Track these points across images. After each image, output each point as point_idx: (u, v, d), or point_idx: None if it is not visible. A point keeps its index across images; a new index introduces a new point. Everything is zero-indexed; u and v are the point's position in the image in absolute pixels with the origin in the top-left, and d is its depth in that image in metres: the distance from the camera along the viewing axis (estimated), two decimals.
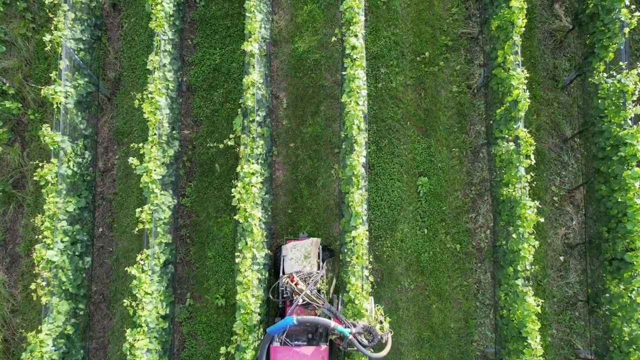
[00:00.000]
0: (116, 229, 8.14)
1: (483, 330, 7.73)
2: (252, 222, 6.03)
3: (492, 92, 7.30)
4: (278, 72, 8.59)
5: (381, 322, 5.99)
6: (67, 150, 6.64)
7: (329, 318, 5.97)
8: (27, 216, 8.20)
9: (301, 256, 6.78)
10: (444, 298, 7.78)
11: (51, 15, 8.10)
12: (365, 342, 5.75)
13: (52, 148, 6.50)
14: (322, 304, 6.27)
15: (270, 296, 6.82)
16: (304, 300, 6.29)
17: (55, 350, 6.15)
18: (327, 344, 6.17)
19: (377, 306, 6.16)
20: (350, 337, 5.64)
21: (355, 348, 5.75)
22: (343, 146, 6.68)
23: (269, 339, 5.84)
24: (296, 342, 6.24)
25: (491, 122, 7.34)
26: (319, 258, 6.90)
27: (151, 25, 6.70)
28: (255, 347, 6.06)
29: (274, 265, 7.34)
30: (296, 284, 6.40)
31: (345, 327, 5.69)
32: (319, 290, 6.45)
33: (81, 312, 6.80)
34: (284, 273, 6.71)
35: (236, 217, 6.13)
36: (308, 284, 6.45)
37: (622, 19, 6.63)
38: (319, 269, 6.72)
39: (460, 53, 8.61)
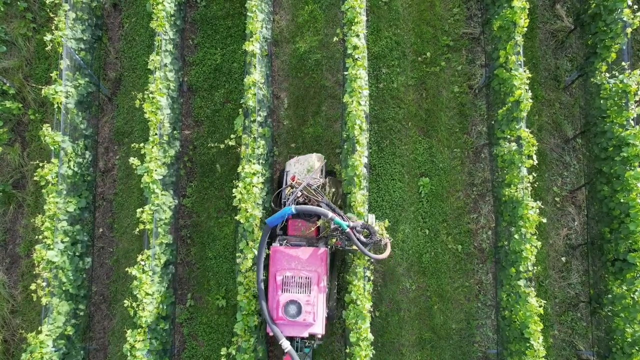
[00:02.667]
0: (117, 229, 8.12)
1: (485, 331, 7.71)
2: (253, 223, 6.01)
3: (493, 93, 7.28)
4: (279, 72, 8.57)
5: (382, 232, 6.00)
6: (67, 151, 6.62)
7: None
8: (27, 216, 8.18)
9: (304, 170, 6.79)
10: (445, 299, 7.76)
11: (52, 15, 8.08)
12: (364, 239, 5.75)
13: (52, 148, 6.48)
14: (322, 199, 6.26)
15: (273, 205, 6.85)
16: (302, 194, 6.27)
17: (55, 351, 6.13)
18: (327, 247, 6.23)
19: (378, 221, 6.13)
20: (348, 230, 5.62)
21: (353, 246, 5.74)
22: (345, 146, 6.66)
23: (268, 230, 5.74)
24: (295, 243, 6.32)
25: (493, 122, 7.32)
26: (321, 174, 6.91)
27: (152, 25, 6.68)
28: (256, 349, 6.05)
29: (278, 184, 7.34)
30: (297, 183, 6.39)
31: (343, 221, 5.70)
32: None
33: (81, 313, 6.78)
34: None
35: (237, 218, 6.11)
36: (306, 179, 6.47)
37: (625, 19, 6.61)
38: None
39: (462, 53, 8.60)
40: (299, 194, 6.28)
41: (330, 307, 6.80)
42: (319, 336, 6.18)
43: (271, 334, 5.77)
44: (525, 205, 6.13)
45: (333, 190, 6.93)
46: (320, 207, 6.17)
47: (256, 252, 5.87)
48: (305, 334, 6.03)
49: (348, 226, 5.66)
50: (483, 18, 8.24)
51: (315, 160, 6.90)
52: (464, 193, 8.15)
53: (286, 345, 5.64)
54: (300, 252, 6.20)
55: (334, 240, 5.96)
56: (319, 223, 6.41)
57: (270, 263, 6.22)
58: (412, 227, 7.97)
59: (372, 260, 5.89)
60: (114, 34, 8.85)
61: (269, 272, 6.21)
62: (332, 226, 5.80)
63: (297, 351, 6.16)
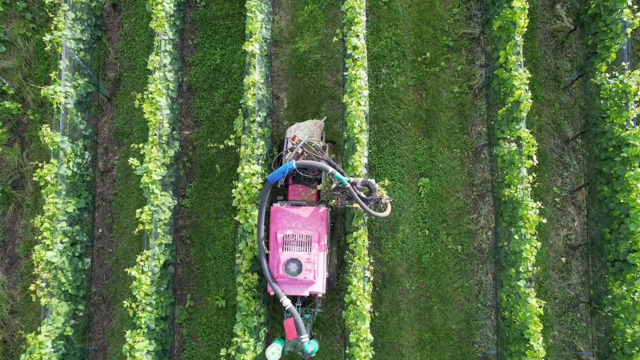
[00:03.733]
0: (116, 229, 8.11)
1: (484, 331, 7.70)
2: (253, 223, 6.00)
3: (493, 93, 7.27)
4: (279, 72, 8.57)
5: (381, 192, 6.03)
6: (66, 151, 6.61)
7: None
8: (26, 217, 8.17)
9: (304, 136, 6.89)
10: (445, 299, 7.75)
11: (51, 15, 8.08)
12: (364, 196, 5.76)
13: (51, 148, 6.47)
14: (322, 156, 6.30)
15: (273, 168, 6.97)
16: (302, 150, 6.34)
17: (54, 352, 6.12)
18: (327, 207, 6.29)
19: (379, 185, 6.15)
20: (349, 185, 5.64)
21: (354, 204, 5.76)
22: (345, 146, 6.65)
23: (269, 186, 5.78)
24: (295, 202, 6.44)
25: (492, 122, 7.31)
26: (322, 139, 6.98)
27: (152, 25, 6.67)
28: (256, 349, 6.04)
29: (279, 151, 7.41)
30: (298, 141, 6.45)
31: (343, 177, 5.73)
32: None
33: (80, 314, 6.77)
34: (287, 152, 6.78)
35: (236, 218, 6.11)
36: (306, 137, 6.54)
37: (625, 19, 6.61)
38: None
39: (462, 53, 8.59)
40: (300, 150, 6.33)
41: (331, 273, 6.83)
42: (320, 295, 6.20)
43: (272, 292, 5.81)
44: (525, 206, 6.12)
45: (333, 156, 7.02)
46: (321, 159, 6.25)
47: (257, 211, 5.90)
48: (306, 293, 6.07)
49: (348, 181, 5.65)
50: (483, 18, 8.23)
51: (315, 126, 7.00)
52: (463, 193, 8.15)
53: (287, 302, 5.65)
54: (300, 211, 6.25)
55: (333, 201, 5.96)
56: (319, 187, 6.43)
57: (271, 222, 6.29)
58: (412, 227, 7.96)
59: (373, 217, 5.89)
60: (113, 34, 8.84)
61: (270, 231, 6.27)
62: (333, 186, 5.81)
63: None
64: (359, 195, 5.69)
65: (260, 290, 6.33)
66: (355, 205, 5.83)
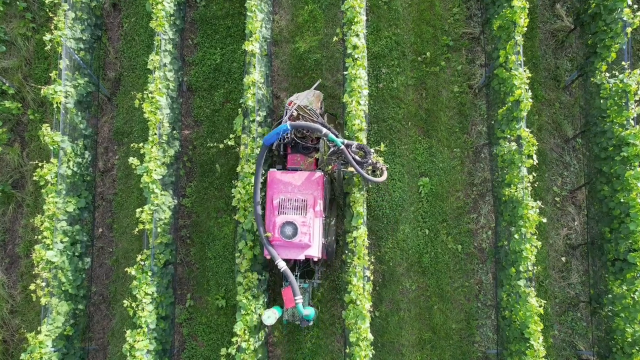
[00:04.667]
0: (116, 229, 8.11)
1: (485, 331, 7.70)
2: (252, 221, 6.01)
3: (493, 92, 7.27)
4: (279, 72, 8.57)
5: (377, 157, 6.05)
6: (67, 150, 6.61)
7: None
8: (26, 216, 8.17)
9: (303, 105, 6.93)
10: (445, 299, 7.75)
11: (51, 15, 8.07)
12: (359, 159, 5.77)
13: (51, 148, 6.48)
14: (317, 119, 6.34)
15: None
16: (297, 112, 6.41)
17: (54, 352, 6.12)
18: (323, 172, 6.36)
19: (375, 151, 6.14)
20: (342, 147, 5.64)
21: (349, 168, 5.78)
22: None
23: (265, 148, 5.83)
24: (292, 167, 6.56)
25: (493, 122, 7.31)
26: (320, 109, 7.04)
27: (152, 24, 6.68)
28: (256, 349, 6.04)
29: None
30: (293, 104, 6.50)
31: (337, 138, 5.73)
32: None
33: (81, 313, 6.77)
34: None
35: (236, 217, 6.11)
36: (302, 101, 6.58)
37: (625, 18, 6.61)
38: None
39: (462, 53, 8.59)
40: (295, 113, 6.40)
41: (329, 243, 6.86)
42: (316, 259, 6.22)
43: (268, 256, 5.86)
44: (525, 205, 6.12)
45: (332, 125, 7.06)
46: (316, 121, 6.28)
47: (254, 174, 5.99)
48: (302, 257, 6.11)
49: (342, 143, 5.65)
50: (483, 18, 8.23)
51: (313, 96, 7.08)
52: (464, 193, 8.14)
53: (282, 265, 5.69)
54: (296, 176, 6.35)
55: (330, 166, 5.97)
56: (317, 155, 6.46)
57: (267, 187, 6.37)
58: (412, 227, 7.96)
59: (369, 182, 5.88)
60: (113, 34, 8.84)
61: (266, 196, 6.34)
62: (330, 151, 5.82)
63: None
64: (353, 159, 5.68)
65: (260, 290, 6.33)
66: (351, 169, 5.83)
